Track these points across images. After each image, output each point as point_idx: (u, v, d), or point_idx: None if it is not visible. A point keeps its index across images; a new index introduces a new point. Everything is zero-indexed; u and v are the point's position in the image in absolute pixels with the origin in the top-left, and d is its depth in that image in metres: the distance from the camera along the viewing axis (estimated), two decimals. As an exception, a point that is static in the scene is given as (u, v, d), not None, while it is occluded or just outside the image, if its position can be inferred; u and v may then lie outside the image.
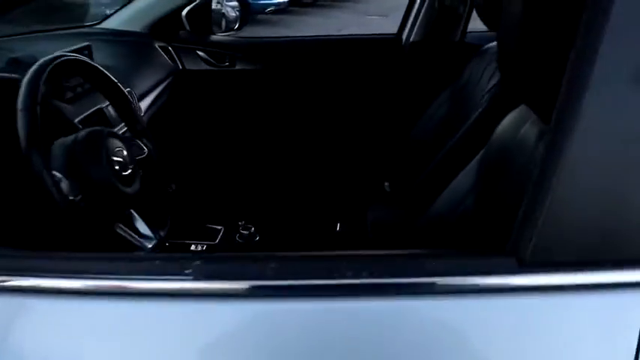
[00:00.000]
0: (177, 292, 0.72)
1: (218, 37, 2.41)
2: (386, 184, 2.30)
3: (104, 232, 1.18)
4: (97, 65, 1.32)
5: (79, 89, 1.54)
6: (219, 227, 1.83)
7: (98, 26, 2.27)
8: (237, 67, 2.38)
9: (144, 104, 1.87)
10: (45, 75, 1.12)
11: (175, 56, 2.32)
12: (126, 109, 1.41)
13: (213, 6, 2.45)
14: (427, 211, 1.25)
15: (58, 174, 1.10)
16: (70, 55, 1.24)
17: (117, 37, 2.18)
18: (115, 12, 2.31)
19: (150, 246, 1.25)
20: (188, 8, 2.32)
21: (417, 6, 2.38)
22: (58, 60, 1.17)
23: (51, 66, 1.15)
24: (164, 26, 2.33)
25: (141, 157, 1.35)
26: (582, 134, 0.65)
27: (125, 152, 1.24)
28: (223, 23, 2.54)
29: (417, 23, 2.35)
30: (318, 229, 1.93)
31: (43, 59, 1.15)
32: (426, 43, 2.35)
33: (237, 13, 2.53)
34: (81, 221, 1.10)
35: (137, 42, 2.20)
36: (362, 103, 2.41)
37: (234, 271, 0.75)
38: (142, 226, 1.29)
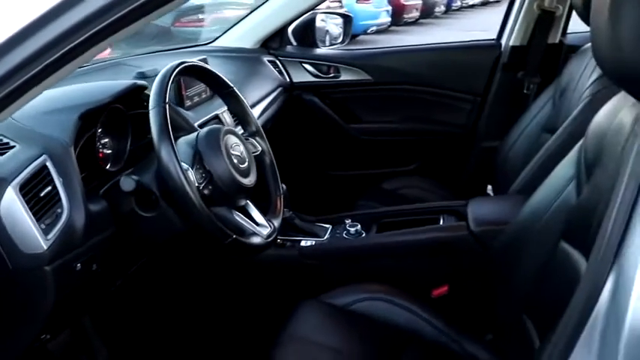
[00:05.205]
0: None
1: (323, 50, 2.55)
2: (489, 187, 2.32)
3: (226, 218, 1.32)
4: (214, 70, 1.47)
5: (196, 98, 1.72)
6: (327, 226, 1.91)
7: (212, 44, 2.47)
8: (343, 78, 2.51)
9: (254, 112, 2.01)
10: (172, 77, 1.27)
11: (283, 69, 2.48)
12: (241, 111, 1.55)
13: (318, 24, 2.59)
14: (528, 202, 1.28)
15: (184, 164, 1.25)
16: (192, 61, 1.39)
17: (229, 53, 2.36)
18: (226, 31, 2.49)
19: (265, 233, 1.37)
20: (294, 25, 2.50)
21: (515, 10, 2.39)
22: (182, 65, 1.32)
23: (177, 70, 1.30)
24: (273, 42, 2.51)
25: (255, 153, 1.49)
26: None
27: (242, 147, 1.38)
28: (327, 39, 2.70)
29: (516, 27, 2.36)
30: None
31: (169, 65, 1.30)
32: (525, 47, 2.37)
33: (341, 29, 2.68)
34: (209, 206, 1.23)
35: (248, 57, 2.37)
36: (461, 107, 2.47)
37: None
38: (258, 216, 1.42)
